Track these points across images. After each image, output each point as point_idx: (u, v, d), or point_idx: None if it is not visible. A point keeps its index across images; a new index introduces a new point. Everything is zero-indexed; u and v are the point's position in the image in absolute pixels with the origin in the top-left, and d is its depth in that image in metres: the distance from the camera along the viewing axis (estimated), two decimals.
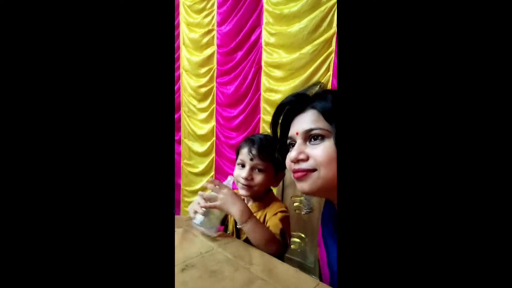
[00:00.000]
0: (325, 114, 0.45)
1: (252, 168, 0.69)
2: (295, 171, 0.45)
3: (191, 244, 0.57)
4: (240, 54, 1.86)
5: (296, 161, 0.45)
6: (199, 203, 0.61)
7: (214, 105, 2.10)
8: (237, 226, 0.59)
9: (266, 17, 1.71)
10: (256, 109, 1.83)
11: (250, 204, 0.73)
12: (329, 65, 1.45)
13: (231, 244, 0.57)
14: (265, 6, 1.70)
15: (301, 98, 0.49)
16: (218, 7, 2.00)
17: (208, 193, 0.62)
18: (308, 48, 1.49)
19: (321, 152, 0.43)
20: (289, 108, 0.50)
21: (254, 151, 0.69)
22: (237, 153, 0.74)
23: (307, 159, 0.44)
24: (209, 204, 0.59)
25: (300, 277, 0.45)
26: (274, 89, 1.69)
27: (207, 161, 2.22)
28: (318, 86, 0.50)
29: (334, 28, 1.41)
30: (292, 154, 0.45)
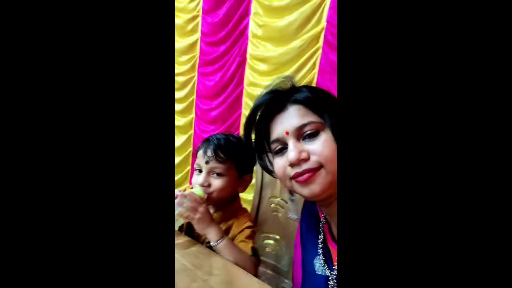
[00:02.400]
0: (313, 106, 0.41)
1: (209, 173, 0.60)
2: (297, 175, 0.39)
3: None
4: (225, 44, 1.77)
5: (297, 162, 0.39)
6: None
7: (194, 96, 1.98)
8: (211, 244, 0.55)
9: (255, 8, 1.62)
10: (237, 103, 1.74)
11: (212, 212, 0.63)
12: (315, 62, 1.39)
13: (191, 250, 0.49)
14: None
15: (277, 95, 0.44)
16: None
17: (188, 192, 0.57)
18: (296, 43, 1.43)
19: (322, 147, 0.39)
20: (265, 109, 0.44)
21: (209, 153, 0.60)
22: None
23: (308, 158, 0.39)
24: (186, 215, 0.55)
25: None
26: (258, 83, 1.61)
27: (183, 154, 2.10)
28: (290, 82, 0.45)
29: (322, 24, 1.36)
30: (291, 156, 0.39)
